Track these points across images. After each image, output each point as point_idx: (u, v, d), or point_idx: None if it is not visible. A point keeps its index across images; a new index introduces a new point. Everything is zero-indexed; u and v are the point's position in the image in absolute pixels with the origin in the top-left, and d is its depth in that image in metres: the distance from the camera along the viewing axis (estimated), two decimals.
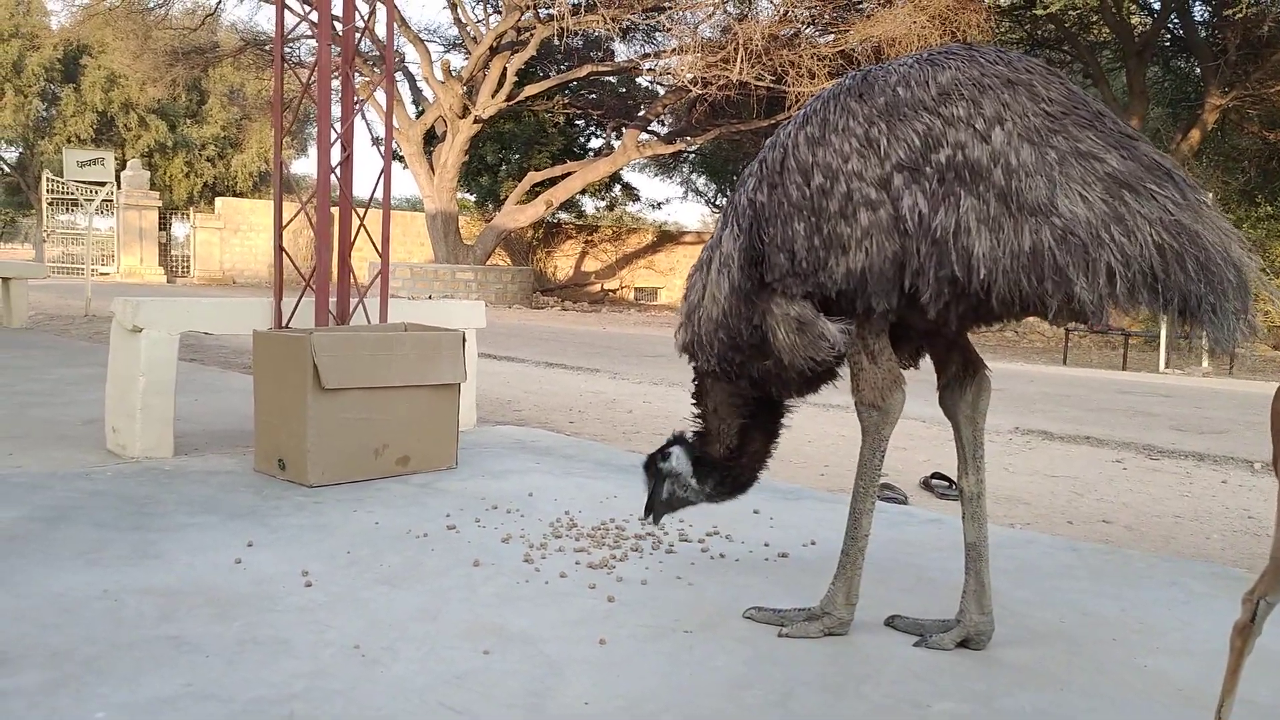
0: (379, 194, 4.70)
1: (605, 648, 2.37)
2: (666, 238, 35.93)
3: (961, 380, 2.50)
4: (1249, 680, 2.18)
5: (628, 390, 8.13)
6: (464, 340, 4.28)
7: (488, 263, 25.58)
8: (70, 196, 24.90)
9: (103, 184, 14.43)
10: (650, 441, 5.61)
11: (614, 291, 34.13)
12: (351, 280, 4.63)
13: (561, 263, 33.96)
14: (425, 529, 3.32)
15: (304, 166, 45.37)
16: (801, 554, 3.21)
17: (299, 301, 4.46)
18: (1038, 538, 3.57)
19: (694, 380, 2.76)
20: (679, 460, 2.78)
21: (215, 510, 3.48)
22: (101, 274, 26.20)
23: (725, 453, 2.74)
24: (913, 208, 2.14)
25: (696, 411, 2.78)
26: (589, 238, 34.52)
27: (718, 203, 36.68)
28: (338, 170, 4.48)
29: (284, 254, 4.44)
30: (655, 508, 2.86)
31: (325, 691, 2.08)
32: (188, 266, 29.08)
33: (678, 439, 2.83)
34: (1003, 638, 2.50)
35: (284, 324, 4.46)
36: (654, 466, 2.83)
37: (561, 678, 2.20)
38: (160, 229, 28.58)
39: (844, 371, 2.50)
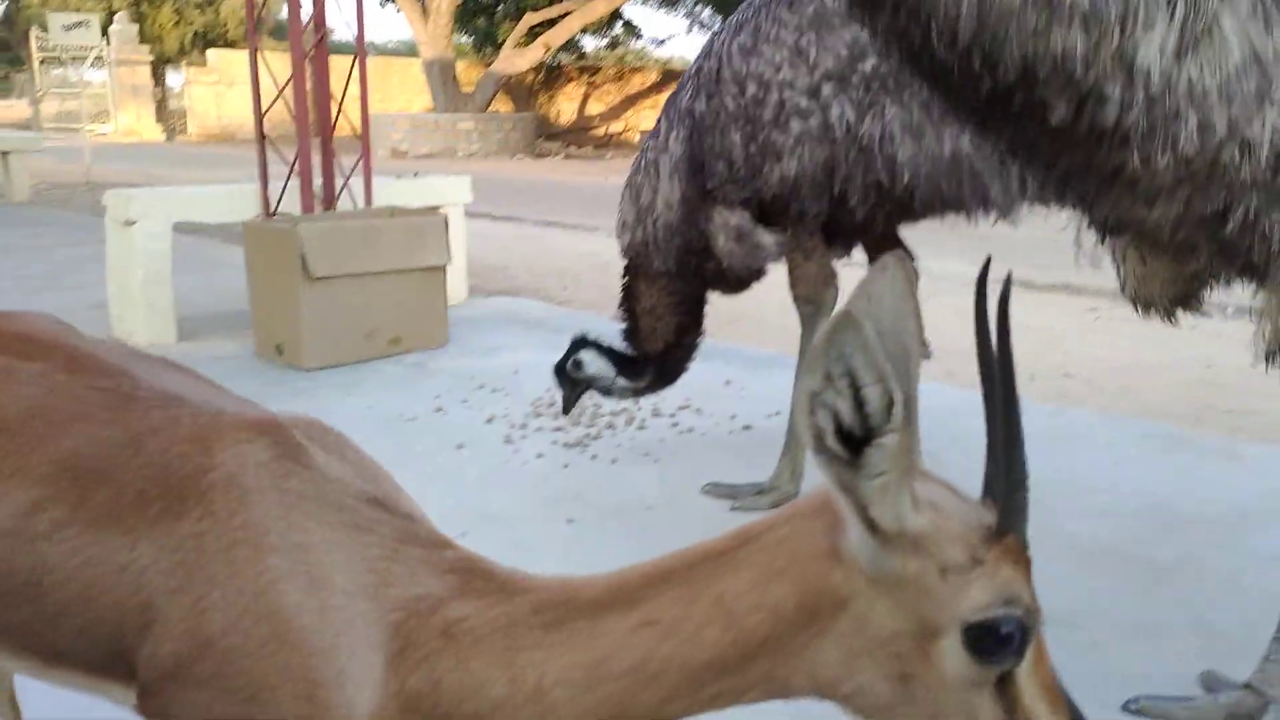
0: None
1: (573, 526, 2.62)
2: (671, 76, 34.98)
3: None
4: (1154, 541, 2.42)
5: None
6: (446, 223, 4.41)
7: (488, 110, 25.16)
8: (61, 55, 24.45)
9: (91, 46, 14.20)
10: None
11: (619, 134, 33.57)
12: (335, 162, 4.72)
13: (564, 107, 33.30)
14: (414, 412, 3.56)
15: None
16: (765, 425, 3.43)
17: (285, 186, 4.57)
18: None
19: (625, 281, 2.87)
20: (594, 364, 2.90)
21: None
22: (99, 134, 25.98)
23: (661, 347, 2.88)
24: (840, 116, 2.25)
25: (626, 311, 2.88)
26: (591, 79, 33.70)
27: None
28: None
29: (266, 141, 4.53)
30: (567, 405, 3.00)
31: None
32: (186, 123, 28.75)
33: (583, 342, 2.93)
34: None
35: (272, 211, 4.59)
36: (564, 374, 2.95)
37: (529, 557, 2.44)
38: (154, 83, 28.11)
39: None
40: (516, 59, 24.83)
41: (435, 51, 23.57)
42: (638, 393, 3.01)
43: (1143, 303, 1.72)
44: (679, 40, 73.38)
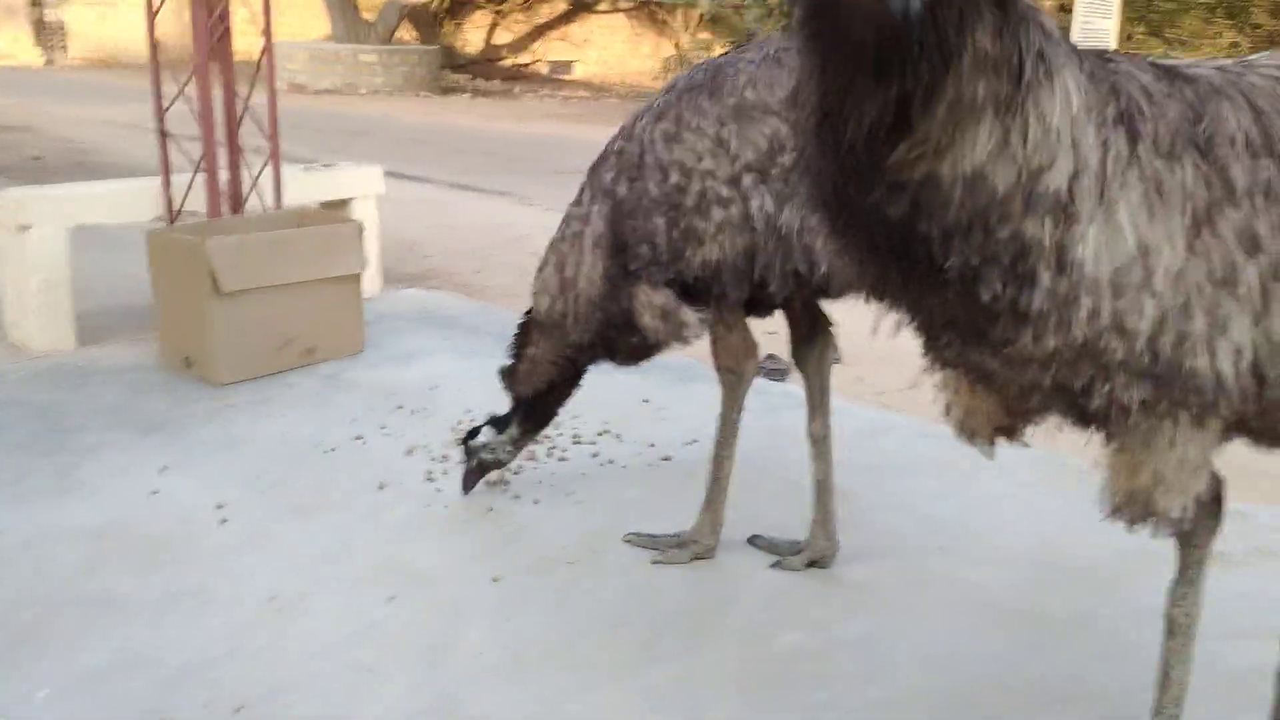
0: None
1: (499, 586, 2.68)
2: (581, 6, 34.31)
3: (810, 338, 2.74)
4: (1046, 590, 2.60)
5: (535, 221, 8.17)
6: (361, 229, 4.34)
7: (392, 41, 24.37)
8: None
9: None
10: None
11: (526, 66, 32.88)
12: (241, 160, 4.57)
13: (472, 36, 32.39)
14: (333, 440, 3.54)
15: None
16: (683, 455, 3.52)
17: (190, 186, 4.42)
18: (899, 423, 3.91)
19: (521, 326, 2.90)
20: (486, 433, 2.99)
21: (128, 423, 3.63)
22: None
23: (531, 393, 2.93)
24: (761, 208, 2.32)
25: (513, 353, 2.92)
26: (499, 8, 32.80)
27: None
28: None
29: (166, 138, 4.36)
30: (467, 482, 3.08)
31: (245, 653, 2.36)
32: (66, 45, 27.11)
33: (491, 419, 3.01)
34: (848, 551, 2.85)
35: (177, 209, 4.44)
36: (465, 443, 3.03)
37: (459, 624, 2.51)
38: (31, 3, 26.38)
39: None
40: None
41: None
42: (513, 443, 3.05)
43: (966, 434, 1.77)
44: None
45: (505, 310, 5.39)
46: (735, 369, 2.64)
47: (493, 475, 3.30)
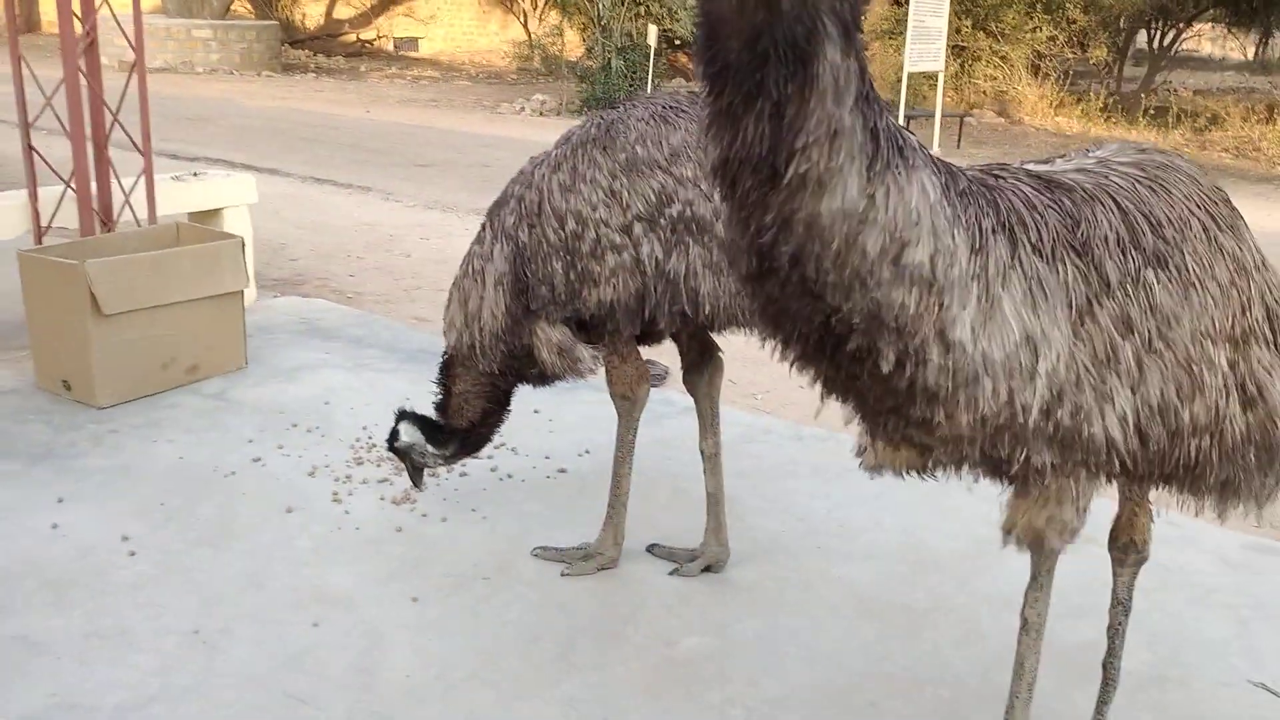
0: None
1: (418, 606, 2.83)
2: None
3: (699, 365, 3.00)
4: (909, 581, 2.93)
5: (402, 220, 8.19)
6: (243, 245, 4.34)
7: (228, 15, 23.37)
8: None
9: None
10: (431, 301, 5.89)
11: (370, 42, 32.04)
12: (111, 173, 4.48)
13: (311, 9, 31.30)
14: (230, 464, 3.58)
15: None
16: (578, 466, 3.73)
17: (60, 202, 4.31)
18: (774, 426, 4.23)
19: (443, 364, 3.08)
20: (409, 434, 3.12)
21: (11, 452, 3.57)
22: None
23: (467, 425, 3.12)
24: (650, 254, 2.57)
25: (440, 391, 3.11)
26: None
27: None
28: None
29: (34, 153, 4.24)
30: (415, 480, 3.23)
31: (178, 689, 2.45)
32: None
33: (402, 415, 3.14)
34: (738, 554, 3.13)
35: (45, 227, 4.33)
36: (393, 448, 3.15)
37: (383, 646, 2.65)
38: None
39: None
40: None
41: None
42: (446, 460, 3.22)
43: (874, 469, 2.01)
44: None
45: (385, 319, 5.47)
46: (629, 396, 2.88)
47: (398, 493, 3.43)
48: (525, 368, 2.92)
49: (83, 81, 4.26)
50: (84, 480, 3.42)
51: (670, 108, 2.68)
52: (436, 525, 3.27)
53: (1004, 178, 1.70)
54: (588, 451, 3.85)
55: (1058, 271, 1.64)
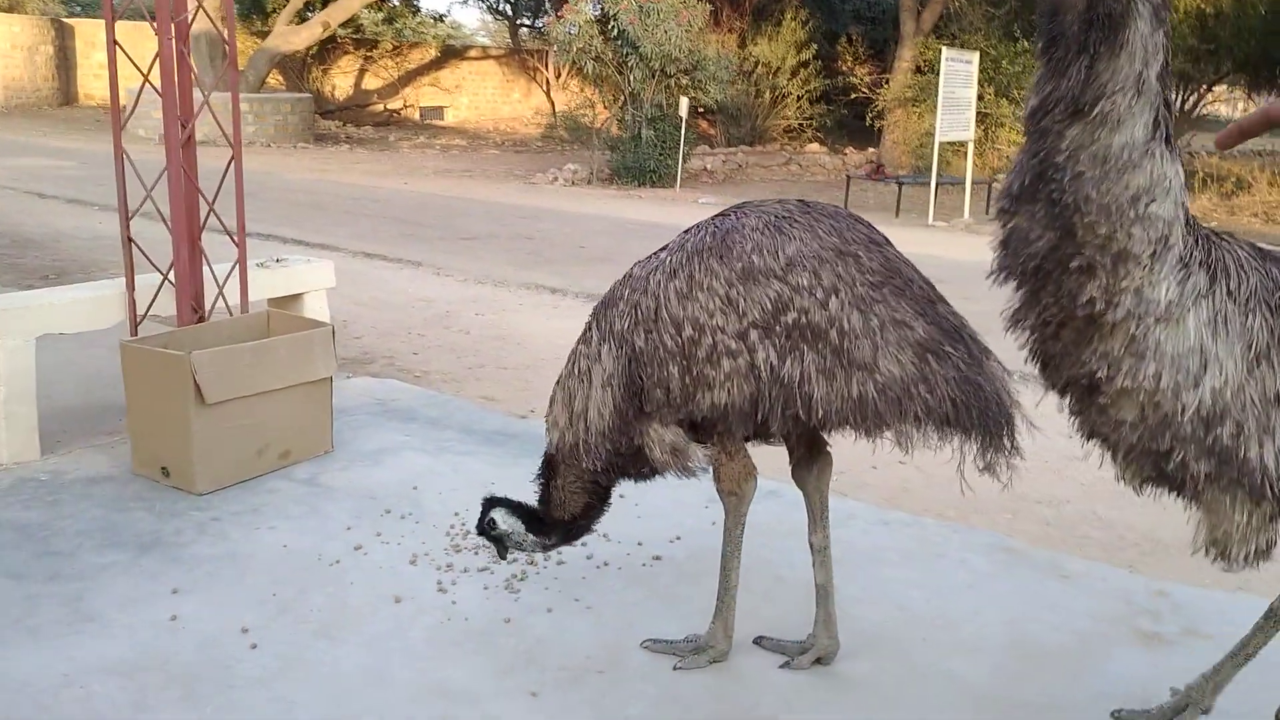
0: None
1: (538, 700, 2.86)
2: (451, 53, 34.49)
3: (808, 460, 3.06)
4: (1021, 677, 2.94)
5: (455, 295, 8.33)
6: (334, 333, 4.45)
7: (262, 89, 23.96)
8: None
9: None
10: (495, 380, 5.99)
11: (398, 112, 32.73)
12: (204, 261, 4.62)
13: (340, 81, 32.08)
14: (334, 552, 3.64)
15: None
16: (672, 553, 3.77)
17: (157, 294, 4.44)
18: (857, 510, 4.27)
19: (544, 461, 3.17)
20: (505, 522, 3.21)
21: (119, 541, 3.65)
22: None
23: (569, 517, 3.20)
24: (765, 359, 2.64)
25: (541, 484, 3.19)
26: (368, 53, 32.64)
27: (499, 7, 35.24)
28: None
29: (133, 245, 4.38)
30: (500, 554, 3.32)
31: None
32: None
33: (492, 502, 3.22)
34: (845, 646, 3.16)
35: (140, 317, 4.45)
36: (488, 534, 3.24)
37: None
38: None
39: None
40: (292, 36, 23.81)
41: (200, 22, 22.17)
42: (546, 547, 3.31)
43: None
44: (454, 11, 71.12)
45: (457, 399, 5.56)
46: (737, 492, 2.94)
47: (497, 578, 3.48)
48: (629, 465, 2.99)
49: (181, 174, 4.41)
50: (194, 569, 3.48)
51: (782, 217, 2.76)
52: (543, 616, 3.31)
53: (1224, 238, 2.06)
54: (679, 538, 3.90)
55: (1246, 317, 1.97)
